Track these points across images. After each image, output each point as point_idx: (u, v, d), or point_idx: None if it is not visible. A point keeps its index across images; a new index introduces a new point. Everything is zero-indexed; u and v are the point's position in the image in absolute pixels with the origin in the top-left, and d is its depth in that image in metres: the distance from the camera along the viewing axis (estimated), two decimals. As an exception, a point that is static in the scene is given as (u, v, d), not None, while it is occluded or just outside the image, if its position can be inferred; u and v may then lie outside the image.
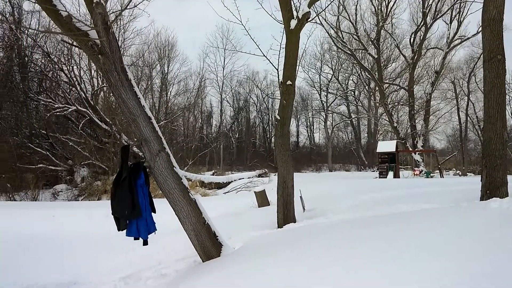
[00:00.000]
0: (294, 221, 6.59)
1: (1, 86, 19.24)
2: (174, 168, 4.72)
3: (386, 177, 23.11)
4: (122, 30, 21.99)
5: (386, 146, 25.80)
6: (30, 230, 8.49)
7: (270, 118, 47.56)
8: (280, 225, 6.54)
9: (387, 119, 31.33)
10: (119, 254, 6.29)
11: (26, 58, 20.01)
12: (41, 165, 17.12)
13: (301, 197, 8.16)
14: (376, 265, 2.76)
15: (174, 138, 32.57)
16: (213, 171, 29.45)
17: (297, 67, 7.30)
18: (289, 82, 6.75)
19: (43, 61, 20.32)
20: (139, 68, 28.12)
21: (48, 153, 17.90)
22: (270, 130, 48.03)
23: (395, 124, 29.77)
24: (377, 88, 32.55)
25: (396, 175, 23.93)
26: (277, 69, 9.07)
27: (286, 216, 6.59)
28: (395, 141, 26.89)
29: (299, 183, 7.24)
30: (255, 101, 47.47)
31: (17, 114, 19.12)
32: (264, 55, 8.71)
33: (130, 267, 5.52)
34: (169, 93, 35.32)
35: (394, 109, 33.81)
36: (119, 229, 4.47)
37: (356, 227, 4.70)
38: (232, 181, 22.16)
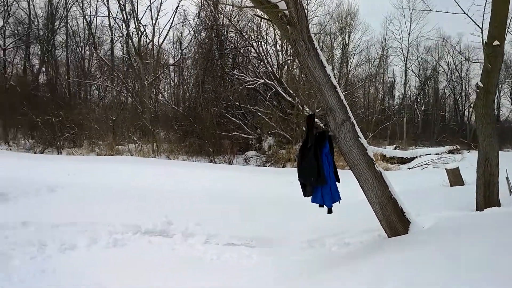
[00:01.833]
0: (499, 205, 5.65)
1: (204, 63, 22.38)
2: (359, 138, 4.56)
3: None
4: (306, 2, 22.39)
5: None
6: (225, 189, 9.77)
7: (464, 88, 41.66)
8: (479, 208, 5.70)
9: None
10: (303, 218, 6.58)
11: (222, 37, 22.51)
12: (235, 133, 19.51)
13: (507, 177, 6.94)
14: None
15: (354, 110, 31.99)
16: (395, 145, 27.99)
17: (507, 24, 6.09)
18: (496, 43, 5.65)
19: (236, 38, 22.50)
20: (320, 39, 28.35)
21: (241, 122, 20.14)
22: (463, 102, 42.26)
23: None
24: None
25: None
26: (481, 28, 7.77)
27: (488, 198, 5.70)
28: None
29: (503, 162, 6.13)
30: (445, 69, 42.17)
31: (216, 87, 21.89)
32: (464, 12, 7.55)
33: (314, 232, 5.70)
34: (349, 64, 34.68)
35: None
36: (305, 195, 4.60)
37: None
38: (417, 157, 20.59)
